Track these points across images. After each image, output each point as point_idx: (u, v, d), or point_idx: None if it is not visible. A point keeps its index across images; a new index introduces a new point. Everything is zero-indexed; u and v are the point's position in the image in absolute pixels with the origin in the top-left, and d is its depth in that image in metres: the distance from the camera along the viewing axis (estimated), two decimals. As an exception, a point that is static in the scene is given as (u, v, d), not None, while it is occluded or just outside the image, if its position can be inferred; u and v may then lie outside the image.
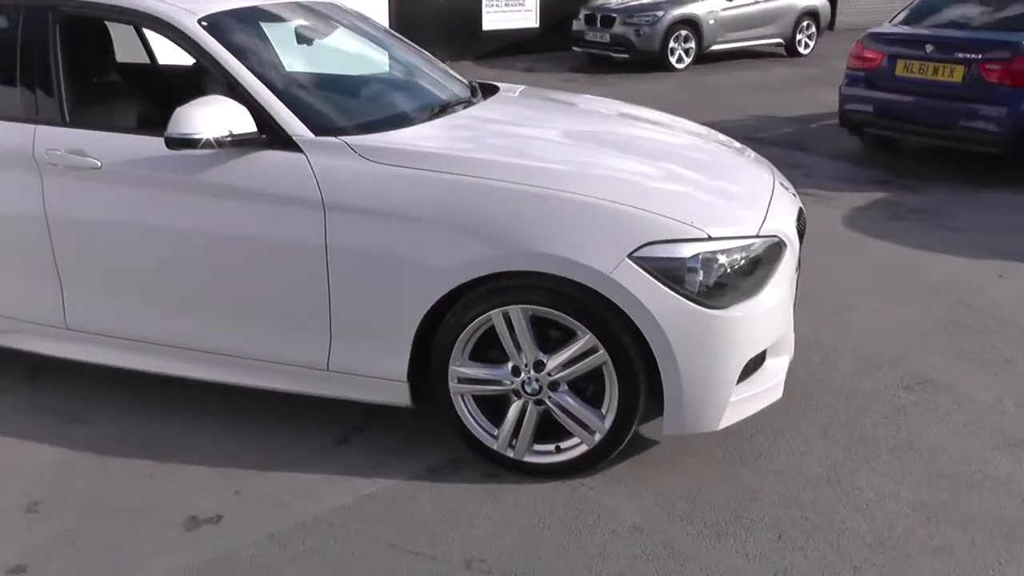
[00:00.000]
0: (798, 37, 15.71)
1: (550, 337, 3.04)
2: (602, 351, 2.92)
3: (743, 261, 2.95)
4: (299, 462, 3.27)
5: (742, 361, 3.03)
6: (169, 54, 4.56)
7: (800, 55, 15.80)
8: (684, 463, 3.29)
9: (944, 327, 4.56)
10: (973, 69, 6.96)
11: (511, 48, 15.75)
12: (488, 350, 3.11)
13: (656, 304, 2.84)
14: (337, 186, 3.00)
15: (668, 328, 2.85)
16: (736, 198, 3.23)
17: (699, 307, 2.87)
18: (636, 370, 2.94)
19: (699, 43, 14.50)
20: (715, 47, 14.81)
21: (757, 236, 3.03)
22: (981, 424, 3.63)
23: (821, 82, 12.90)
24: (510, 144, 3.39)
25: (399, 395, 3.18)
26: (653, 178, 3.20)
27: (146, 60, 4.79)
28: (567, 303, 2.90)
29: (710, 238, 2.92)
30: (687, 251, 2.88)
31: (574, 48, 15.42)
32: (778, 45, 15.76)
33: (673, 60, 14.34)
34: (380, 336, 3.09)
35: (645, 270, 2.84)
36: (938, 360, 4.18)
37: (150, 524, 2.95)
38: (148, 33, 4.77)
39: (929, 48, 7.23)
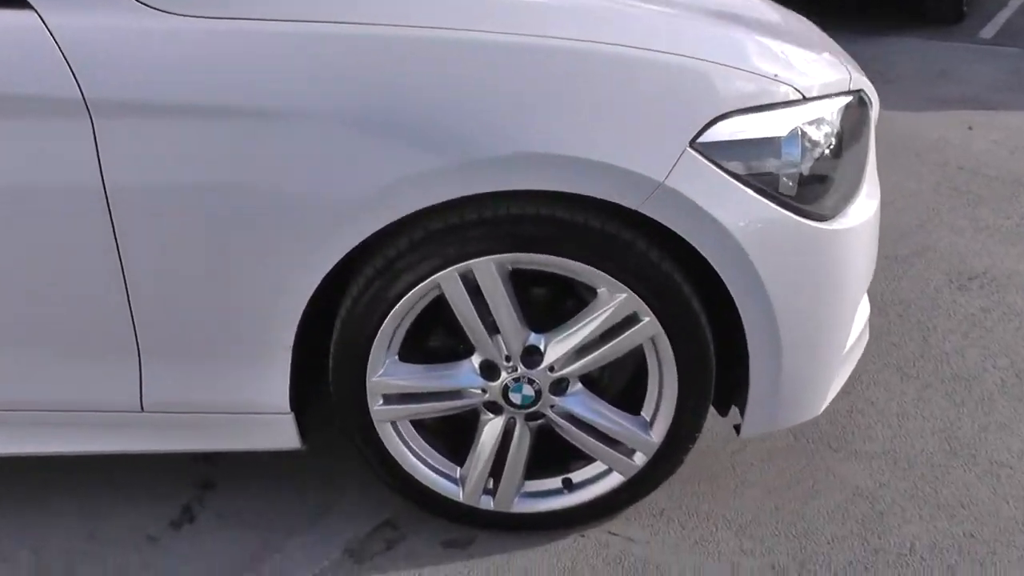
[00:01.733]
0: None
1: (534, 302, 1.73)
2: (650, 318, 1.63)
3: (834, 136, 1.71)
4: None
5: (858, 301, 1.85)
6: None
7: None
8: (745, 465, 2.10)
9: (950, 197, 3.57)
10: None
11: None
12: (426, 339, 1.78)
13: (741, 222, 1.57)
14: (108, 65, 1.50)
15: (761, 262, 1.60)
16: (803, 39, 1.95)
17: (803, 219, 1.64)
18: (707, 341, 1.68)
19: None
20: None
21: (849, 92, 1.79)
22: (1084, 328, 2.64)
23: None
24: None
25: (278, 435, 1.79)
26: (675, 12, 1.85)
27: None
28: (584, 242, 1.58)
29: (805, 99, 1.65)
30: (780, 125, 1.61)
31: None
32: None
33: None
34: (232, 342, 1.68)
35: (718, 165, 1.56)
36: (971, 243, 3.17)
37: None
38: None
39: None
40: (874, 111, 1.97)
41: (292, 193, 1.53)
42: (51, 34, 1.50)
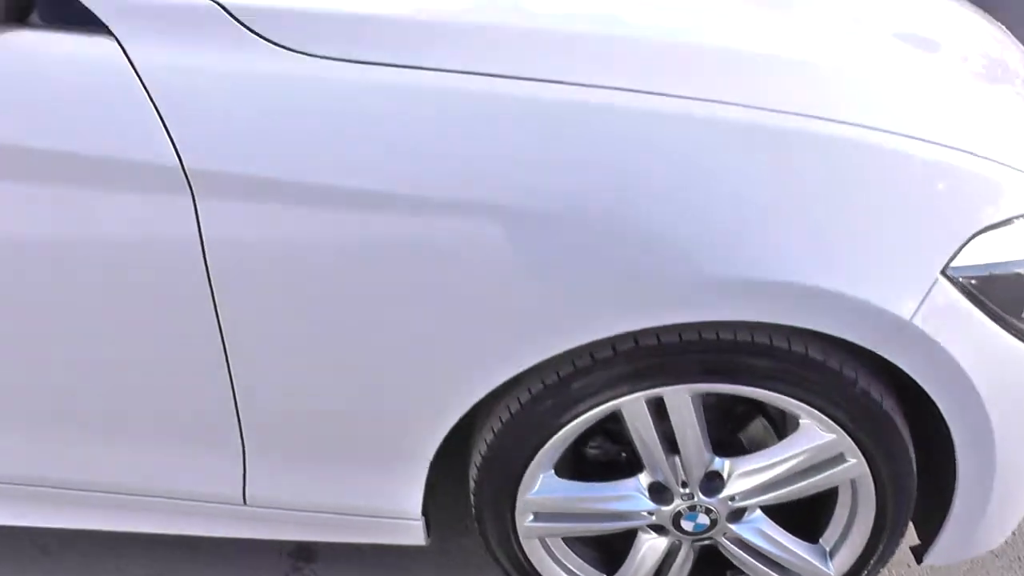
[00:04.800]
0: None
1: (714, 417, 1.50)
2: (857, 461, 1.39)
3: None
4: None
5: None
6: None
7: None
8: None
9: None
10: None
11: None
12: (582, 444, 1.55)
13: (981, 362, 1.31)
14: (209, 121, 1.20)
15: (995, 407, 1.34)
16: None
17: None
18: (914, 481, 1.45)
19: None
20: None
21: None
22: None
23: None
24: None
25: (402, 535, 1.57)
26: (890, 67, 1.52)
27: None
28: (795, 375, 1.32)
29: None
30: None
31: None
32: None
33: None
34: (359, 448, 1.44)
35: (970, 295, 1.29)
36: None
37: None
38: None
39: None
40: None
41: (465, 297, 1.26)
42: (134, 67, 1.19)
